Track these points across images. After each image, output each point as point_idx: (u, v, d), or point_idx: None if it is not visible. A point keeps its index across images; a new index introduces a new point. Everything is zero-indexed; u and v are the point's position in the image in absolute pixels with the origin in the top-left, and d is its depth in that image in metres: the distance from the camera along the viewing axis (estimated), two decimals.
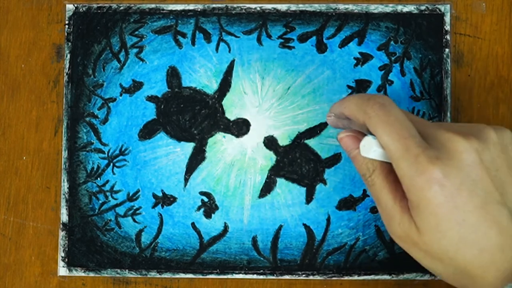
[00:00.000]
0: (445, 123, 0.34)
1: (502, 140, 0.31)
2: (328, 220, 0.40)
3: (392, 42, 0.41)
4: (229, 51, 0.41)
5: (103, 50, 0.41)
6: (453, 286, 0.32)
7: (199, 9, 0.41)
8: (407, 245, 0.32)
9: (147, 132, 0.41)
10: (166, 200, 0.41)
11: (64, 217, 0.41)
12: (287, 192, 0.41)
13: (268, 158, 0.41)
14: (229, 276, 0.40)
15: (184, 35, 0.41)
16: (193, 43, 0.41)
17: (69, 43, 0.41)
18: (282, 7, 0.41)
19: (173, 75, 0.41)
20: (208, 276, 0.40)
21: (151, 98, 0.41)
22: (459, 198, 0.29)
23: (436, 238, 0.30)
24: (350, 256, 0.40)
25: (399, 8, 0.41)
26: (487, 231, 0.29)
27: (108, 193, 0.41)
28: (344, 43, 0.41)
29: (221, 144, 0.41)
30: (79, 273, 0.40)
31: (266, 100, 0.41)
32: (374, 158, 0.32)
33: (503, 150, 0.31)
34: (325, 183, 0.40)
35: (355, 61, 0.41)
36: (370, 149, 0.32)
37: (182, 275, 0.40)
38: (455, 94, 0.41)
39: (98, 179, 0.41)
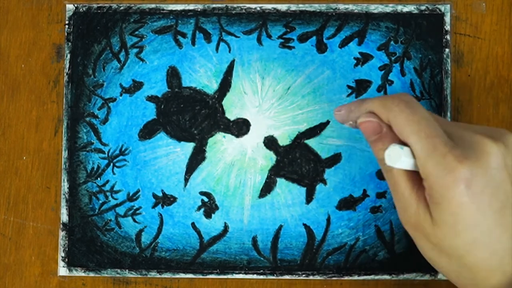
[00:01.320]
0: (468, 124, 0.33)
1: None
2: (328, 220, 0.40)
3: (392, 42, 0.41)
4: (229, 51, 0.41)
5: (103, 50, 0.41)
6: (454, 286, 0.32)
7: (199, 9, 0.41)
8: (417, 234, 0.32)
9: (147, 132, 0.41)
10: (166, 200, 0.41)
11: (64, 217, 0.41)
12: (287, 192, 0.41)
13: (268, 158, 0.41)
14: (229, 276, 0.40)
15: (184, 35, 0.41)
16: (193, 43, 0.41)
17: (69, 43, 0.41)
18: (282, 7, 0.41)
19: (173, 75, 0.41)
20: (208, 276, 0.40)
21: (151, 98, 0.41)
22: (481, 200, 0.29)
23: (451, 235, 0.30)
24: (350, 256, 0.40)
25: (399, 8, 0.41)
26: (501, 235, 0.30)
27: (108, 193, 0.41)
28: (344, 43, 0.41)
29: (221, 144, 0.41)
30: (79, 273, 0.40)
31: (266, 100, 0.41)
32: (400, 168, 0.32)
33: None
34: (325, 183, 0.40)
35: (355, 61, 0.41)
36: (398, 159, 0.31)
37: (182, 275, 0.40)
38: (455, 94, 0.41)
39: (98, 179, 0.41)
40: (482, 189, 0.29)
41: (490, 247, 0.30)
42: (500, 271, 0.30)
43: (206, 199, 0.41)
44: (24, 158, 0.41)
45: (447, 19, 0.41)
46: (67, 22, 0.41)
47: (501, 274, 0.30)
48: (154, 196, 0.41)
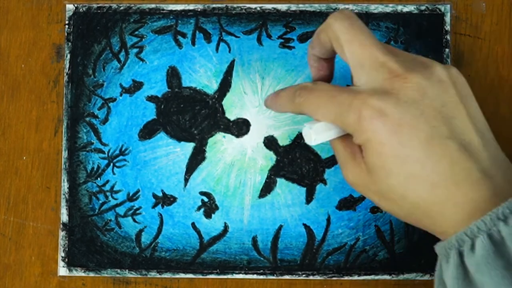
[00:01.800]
0: (395, 50, 0.32)
1: (450, 76, 0.31)
2: (328, 220, 0.40)
3: (392, 42, 0.41)
4: (229, 51, 0.41)
5: (103, 50, 0.41)
6: None
7: (199, 9, 0.41)
8: (363, 190, 0.32)
9: (147, 132, 0.41)
10: (166, 200, 0.41)
11: (64, 217, 0.41)
12: (287, 192, 0.41)
13: (268, 158, 0.41)
14: (229, 276, 0.40)
15: (184, 35, 0.41)
16: (193, 43, 0.41)
17: (69, 43, 0.41)
18: (282, 7, 0.41)
19: (173, 75, 0.41)
20: (208, 276, 0.40)
21: (151, 98, 0.41)
22: (400, 133, 0.29)
23: (383, 176, 0.30)
24: (350, 256, 0.40)
25: (399, 8, 0.41)
26: (435, 165, 0.29)
27: (108, 193, 0.41)
28: None
29: (221, 144, 0.41)
30: (79, 273, 0.40)
31: None
32: (320, 143, 0.32)
33: (452, 86, 0.30)
34: (325, 183, 0.40)
35: None
36: (311, 137, 0.32)
37: (182, 275, 0.40)
38: None
39: (98, 179, 0.41)
40: (399, 123, 0.29)
41: (428, 180, 0.29)
42: (450, 203, 0.29)
43: (206, 199, 0.41)
44: (24, 158, 0.41)
45: (447, 19, 0.41)
46: (67, 22, 0.41)
47: (453, 205, 0.29)
48: (154, 196, 0.41)
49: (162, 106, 0.41)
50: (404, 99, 0.29)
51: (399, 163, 0.29)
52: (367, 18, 0.41)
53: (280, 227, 0.40)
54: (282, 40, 0.41)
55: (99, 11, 0.41)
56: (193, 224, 0.41)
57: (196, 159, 0.41)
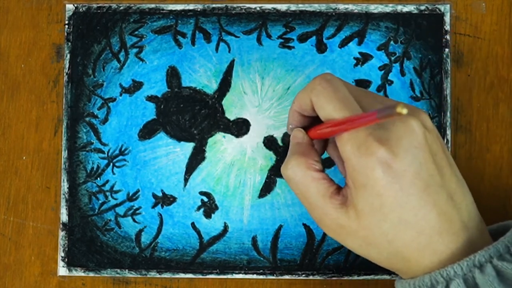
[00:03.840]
0: (381, 97, 0.33)
1: (431, 124, 0.31)
2: None
3: (392, 42, 0.41)
4: (229, 51, 0.41)
5: (103, 50, 0.41)
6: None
7: (199, 9, 0.41)
8: (342, 237, 0.32)
9: (147, 132, 0.41)
10: (166, 200, 0.41)
11: (64, 217, 0.41)
12: (287, 192, 0.41)
13: (268, 158, 0.41)
14: (229, 276, 0.40)
15: (184, 35, 0.41)
16: (193, 43, 0.41)
17: (69, 43, 0.41)
18: (282, 7, 0.41)
19: (173, 75, 0.41)
20: (208, 276, 0.40)
21: (151, 98, 0.41)
22: (404, 180, 0.29)
23: (377, 220, 0.30)
24: (350, 256, 0.40)
25: (399, 8, 0.41)
26: (426, 214, 0.30)
27: (108, 193, 0.41)
28: (344, 43, 0.41)
29: (221, 144, 0.41)
30: (79, 273, 0.40)
31: (266, 100, 0.41)
32: None
33: (437, 134, 0.31)
34: None
35: (355, 61, 0.41)
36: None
37: (182, 275, 0.40)
38: (455, 94, 0.41)
39: (98, 179, 0.41)
40: (405, 169, 0.29)
41: (417, 227, 0.30)
42: (430, 250, 0.30)
43: (206, 199, 0.41)
44: (24, 158, 0.41)
45: (447, 19, 0.41)
46: (67, 22, 0.41)
47: (432, 253, 0.30)
48: (154, 196, 0.41)
49: (162, 106, 0.41)
50: (414, 144, 0.29)
51: (397, 208, 0.29)
52: (367, 18, 0.41)
53: (280, 227, 0.40)
54: (282, 40, 0.41)
55: (99, 11, 0.41)
56: (193, 224, 0.41)
57: (196, 159, 0.41)
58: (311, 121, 0.35)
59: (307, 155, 0.33)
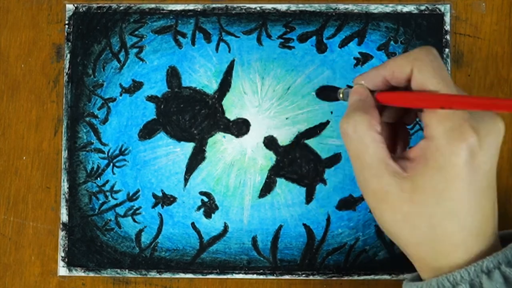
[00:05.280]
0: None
1: None
2: (328, 220, 0.40)
3: (392, 42, 0.41)
4: (229, 51, 0.41)
5: (103, 50, 0.41)
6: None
7: (199, 9, 0.41)
8: (381, 205, 0.31)
9: (147, 132, 0.41)
10: (166, 200, 0.41)
11: (64, 217, 0.41)
12: (287, 192, 0.40)
13: (268, 158, 0.41)
14: (229, 276, 0.40)
15: (184, 35, 0.41)
16: (193, 43, 0.41)
17: (69, 43, 0.41)
18: (282, 7, 0.41)
19: (173, 75, 0.41)
20: (208, 276, 0.40)
21: (151, 98, 0.41)
22: (477, 174, 0.29)
23: (432, 201, 0.29)
24: (350, 256, 0.40)
25: (399, 8, 0.41)
26: (475, 213, 0.30)
27: (108, 193, 0.41)
28: (344, 43, 0.41)
29: (221, 144, 0.41)
30: (79, 273, 0.40)
31: (266, 100, 0.41)
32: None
33: None
34: (325, 183, 0.40)
35: (355, 61, 0.41)
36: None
37: (182, 275, 0.40)
38: None
39: (98, 179, 0.41)
40: (481, 164, 0.29)
41: (462, 222, 0.29)
42: (463, 248, 0.30)
43: (206, 199, 0.41)
44: (24, 158, 0.41)
45: (447, 19, 0.41)
46: (67, 22, 0.41)
47: (463, 251, 0.30)
48: (154, 196, 0.41)
49: (162, 106, 0.41)
50: (496, 146, 0.30)
51: (456, 198, 0.29)
52: (367, 18, 0.41)
53: (280, 227, 0.40)
54: (282, 40, 0.41)
55: (99, 11, 0.41)
56: (193, 224, 0.41)
57: (196, 159, 0.41)
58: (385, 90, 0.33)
59: (371, 114, 0.31)
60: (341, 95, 0.35)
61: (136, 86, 0.41)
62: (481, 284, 0.29)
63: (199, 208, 0.41)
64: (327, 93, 0.39)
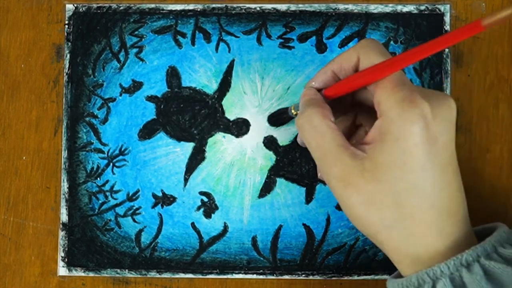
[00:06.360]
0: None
1: None
2: (328, 220, 0.40)
3: (392, 42, 0.41)
4: (229, 51, 0.41)
5: (103, 50, 0.41)
6: None
7: (199, 9, 0.41)
8: (347, 190, 0.30)
9: (147, 132, 0.41)
10: (166, 200, 0.41)
11: (64, 217, 0.41)
12: (287, 192, 0.41)
13: (268, 158, 0.41)
14: (229, 276, 0.40)
15: (184, 35, 0.41)
16: (193, 43, 0.41)
17: (69, 43, 0.41)
18: (282, 7, 0.41)
19: (173, 75, 0.41)
20: (208, 276, 0.40)
21: (151, 98, 0.41)
22: (434, 146, 0.29)
23: (394, 177, 0.29)
24: (349, 256, 0.40)
25: (399, 8, 0.41)
26: (441, 190, 0.29)
27: (108, 193, 0.41)
28: (344, 43, 0.41)
29: (221, 144, 0.41)
30: (79, 273, 0.40)
31: (266, 100, 0.41)
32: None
33: None
34: (324, 183, 0.40)
35: None
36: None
37: (182, 275, 0.40)
38: (455, 94, 0.41)
39: (98, 179, 0.41)
40: (437, 135, 0.29)
41: (430, 199, 0.29)
42: (437, 228, 0.29)
43: (205, 199, 0.41)
44: (24, 158, 0.41)
45: (447, 19, 0.41)
46: (67, 22, 0.42)
47: (438, 233, 0.29)
48: (154, 196, 0.41)
49: (162, 106, 0.41)
50: (450, 119, 0.30)
51: (418, 170, 0.29)
52: (367, 18, 0.41)
53: (280, 227, 0.40)
54: (281, 40, 0.41)
55: (99, 11, 0.41)
56: (192, 224, 0.41)
57: (196, 159, 0.41)
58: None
59: (323, 107, 0.32)
60: (292, 110, 0.37)
61: (136, 86, 0.41)
62: (461, 277, 0.29)
63: (199, 208, 0.41)
64: (277, 116, 0.40)
